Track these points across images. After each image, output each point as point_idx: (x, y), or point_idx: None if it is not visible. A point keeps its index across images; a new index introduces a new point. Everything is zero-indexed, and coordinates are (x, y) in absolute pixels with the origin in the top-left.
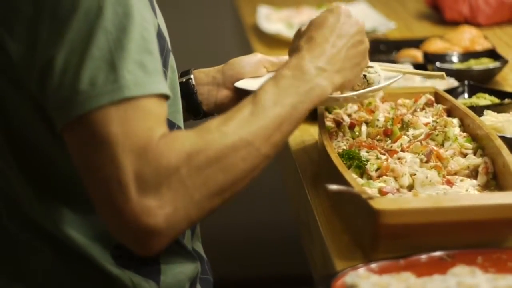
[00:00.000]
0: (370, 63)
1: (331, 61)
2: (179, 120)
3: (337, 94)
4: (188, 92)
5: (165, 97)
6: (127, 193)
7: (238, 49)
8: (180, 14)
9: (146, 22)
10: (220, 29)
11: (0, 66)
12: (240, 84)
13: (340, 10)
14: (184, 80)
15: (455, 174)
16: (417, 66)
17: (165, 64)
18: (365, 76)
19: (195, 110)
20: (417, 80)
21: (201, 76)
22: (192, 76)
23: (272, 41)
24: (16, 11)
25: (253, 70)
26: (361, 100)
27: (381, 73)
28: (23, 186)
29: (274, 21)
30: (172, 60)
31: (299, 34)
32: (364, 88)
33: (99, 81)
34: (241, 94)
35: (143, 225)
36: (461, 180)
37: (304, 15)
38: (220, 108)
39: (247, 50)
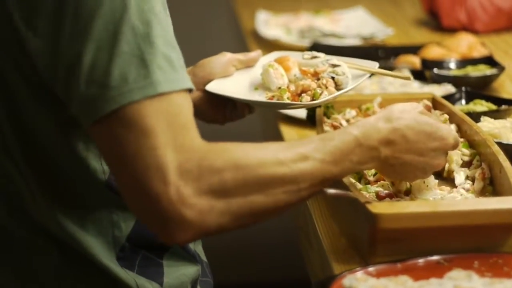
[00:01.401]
0: (337, 62)
1: (402, 150)
2: None
3: (308, 101)
4: None
5: (191, 91)
6: (166, 180)
7: None
8: (179, 19)
9: (167, 18)
10: (219, 34)
11: (17, 64)
12: (210, 87)
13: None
14: None
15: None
16: (415, 72)
17: None
18: (333, 78)
19: None
20: (415, 86)
21: None
22: None
23: (271, 46)
24: (40, 8)
25: (223, 70)
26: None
27: (349, 73)
28: (29, 186)
29: (272, 26)
30: None
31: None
32: (335, 91)
33: (130, 76)
34: (213, 96)
35: (176, 212)
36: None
37: (302, 21)
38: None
39: None
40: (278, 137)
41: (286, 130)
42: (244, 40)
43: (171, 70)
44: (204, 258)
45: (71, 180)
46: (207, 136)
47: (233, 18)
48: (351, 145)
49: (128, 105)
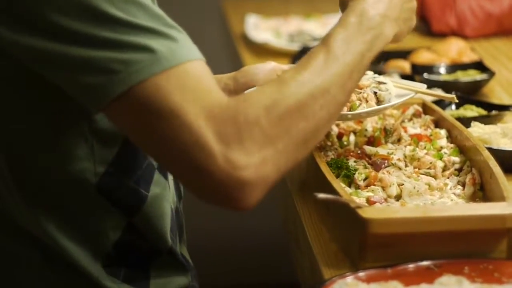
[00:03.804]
0: (384, 80)
1: (391, 8)
2: None
3: (345, 111)
4: None
5: (204, 61)
6: (210, 151)
7: (226, 58)
8: None
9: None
10: (208, 37)
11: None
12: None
13: None
14: None
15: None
16: (404, 77)
17: None
18: (375, 93)
19: None
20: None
21: None
22: None
23: (261, 50)
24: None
25: (266, 78)
26: (370, 117)
27: (393, 90)
28: (13, 193)
29: (262, 30)
30: None
31: None
32: (375, 105)
33: (135, 58)
34: None
35: (234, 179)
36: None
37: (292, 25)
38: None
39: (235, 59)
40: None
41: None
42: (234, 43)
43: (176, 45)
44: (190, 261)
45: (56, 189)
46: None
47: (222, 22)
48: (346, 22)
49: (139, 85)
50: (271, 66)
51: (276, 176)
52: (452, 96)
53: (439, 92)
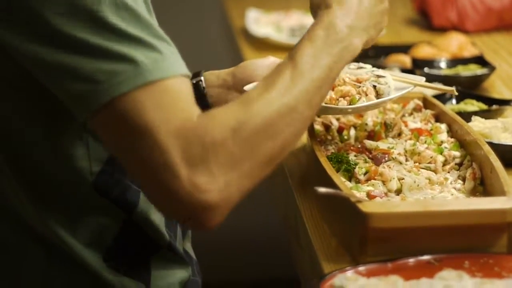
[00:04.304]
0: (383, 73)
1: (359, 18)
2: None
3: (345, 105)
4: (198, 94)
5: (188, 76)
6: (176, 173)
7: (227, 53)
8: (168, 18)
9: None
10: (208, 32)
11: (2, 71)
12: (249, 88)
13: None
14: (194, 81)
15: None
16: (405, 71)
17: None
18: (375, 86)
19: None
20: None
21: (211, 78)
22: (202, 78)
23: (261, 45)
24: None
25: (265, 73)
26: (369, 111)
27: (392, 84)
28: (15, 188)
29: (263, 24)
30: None
31: None
32: (375, 99)
33: (118, 69)
34: None
35: (197, 202)
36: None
37: (293, 19)
38: None
39: (236, 53)
40: None
41: None
42: (234, 38)
43: (161, 58)
44: (193, 255)
45: (57, 184)
46: None
47: (222, 16)
48: (314, 36)
49: (119, 98)
50: (270, 61)
51: (239, 197)
52: (452, 88)
53: (438, 85)
